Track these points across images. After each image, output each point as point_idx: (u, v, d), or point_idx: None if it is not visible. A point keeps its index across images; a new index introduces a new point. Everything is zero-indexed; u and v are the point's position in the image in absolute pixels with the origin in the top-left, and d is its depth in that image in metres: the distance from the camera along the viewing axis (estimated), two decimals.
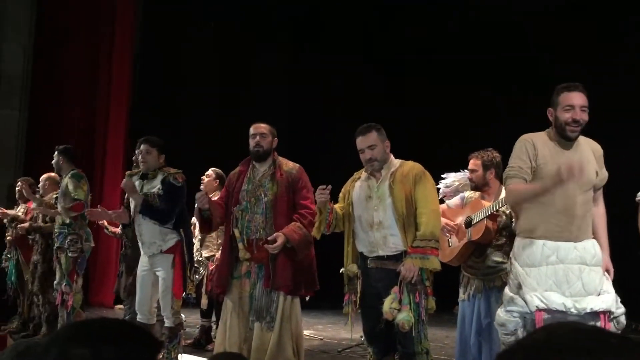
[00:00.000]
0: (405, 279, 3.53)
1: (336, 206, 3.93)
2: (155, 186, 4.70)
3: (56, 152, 5.91)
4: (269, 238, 4.08)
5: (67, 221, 5.67)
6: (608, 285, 3.24)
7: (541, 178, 3.26)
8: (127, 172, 5.20)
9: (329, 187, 3.71)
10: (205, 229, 4.53)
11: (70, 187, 5.63)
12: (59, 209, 5.73)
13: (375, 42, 10.41)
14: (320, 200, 3.76)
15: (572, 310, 3.15)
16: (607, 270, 3.30)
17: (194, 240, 6.15)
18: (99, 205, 5.12)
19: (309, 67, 10.40)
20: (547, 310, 3.18)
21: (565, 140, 3.31)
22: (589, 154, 3.33)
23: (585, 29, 8.23)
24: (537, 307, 3.16)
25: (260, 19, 10.18)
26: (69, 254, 5.60)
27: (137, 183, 4.80)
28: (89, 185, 5.91)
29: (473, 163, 4.26)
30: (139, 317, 4.83)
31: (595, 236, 3.35)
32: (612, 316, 3.20)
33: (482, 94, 9.32)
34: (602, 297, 3.17)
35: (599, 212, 3.42)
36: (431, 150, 8.32)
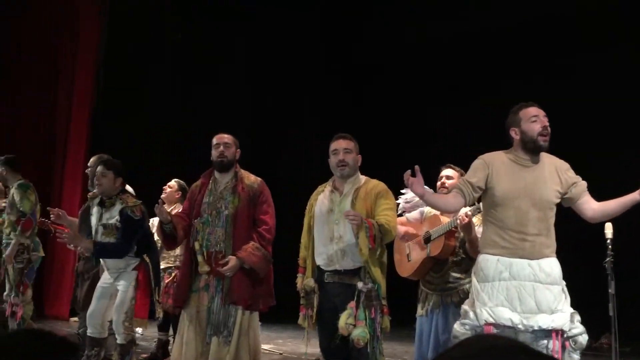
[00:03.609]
0: (349, 217, 3.52)
1: (304, 225, 3.96)
2: (113, 217, 4.56)
3: None
4: (221, 262, 4.05)
5: (16, 231, 5.51)
6: (564, 305, 3.25)
7: (495, 197, 3.35)
8: (89, 195, 5.11)
9: None
10: (170, 243, 4.41)
11: (17, 198, 5.50)
12: (5, 220, 5.58)
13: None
14: None
15: (520, 326, 3.18)
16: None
17: None
18: (57, 210, 4.89)
19: (272, 77, 10.41)
20: (496, 325, 3.21)
21: (532, 155, 3.36)
22: (548, 173, 3.36)
23: None
24: (485, 321, 3.21)
25: (223, 30, 10.17)
26: (16, 265, 5.46)
27: (95, 210, 4.68)
28: (37, 194, 5.75)
29: (450, 172, 4.26)
30: (88, 331, 4.70)
31: (613, 203, 3.31)
32: (566, 335, 3.21)
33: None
34: (554, 316, 3.19)
35: (598, 204, 3.37)
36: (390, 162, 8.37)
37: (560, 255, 3.39)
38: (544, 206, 3.31)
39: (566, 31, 8.29)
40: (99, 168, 4.64)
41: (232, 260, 4.03)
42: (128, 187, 5.72)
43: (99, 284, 4.75)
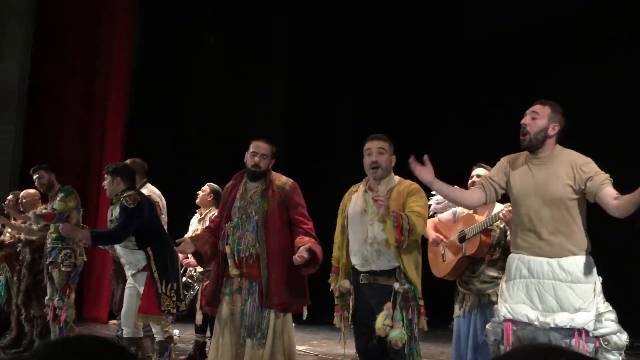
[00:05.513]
0: (379, 199, 3.53)
1: (338, 225, 3.94)
2: (117, 211, 4.77)
3: (40, 172, 5.86)
4: (299, 252, 3.90)
5: (57, 235, 5.62)
6: (591, 304, 3.15)
7: (512, 197, 3.42)
8: None
9: None
10: (201, 264, 4.60)
11: (57, 199, 5.63)
12: (52, 225, 5.70)
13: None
14: None
15: (536, 323, 3.17)
16: None
17: (189, 255, 6.12)
18: None
19: (307, 78, 10.46)
20: (514, 322, 3.22)
21: (532, 152, 3.34)
22: (564, 170, 3.25)
23: None
24: (504, 317, 3.24)
25: (259, 28, 10.26)
26: (63, 269, 5.57)
27: (111, 208, 4.92)
28: (80, 201, 5.85)
29: (481, 171, 4.23)
30: (124, 332, 4.86)
31: (636, 193, 2.99)
32: (591, 334, 3.12)
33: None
34: (575, 315, 3.12)
35: (620, 197, 3.12)
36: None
37: (599, 253, 3.31)
38: (557, 204, 3.23)
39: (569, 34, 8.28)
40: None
41: (305, 253, 3.89)
42: (152, 188, 5.87)
43: (126, 286, 4.92)
